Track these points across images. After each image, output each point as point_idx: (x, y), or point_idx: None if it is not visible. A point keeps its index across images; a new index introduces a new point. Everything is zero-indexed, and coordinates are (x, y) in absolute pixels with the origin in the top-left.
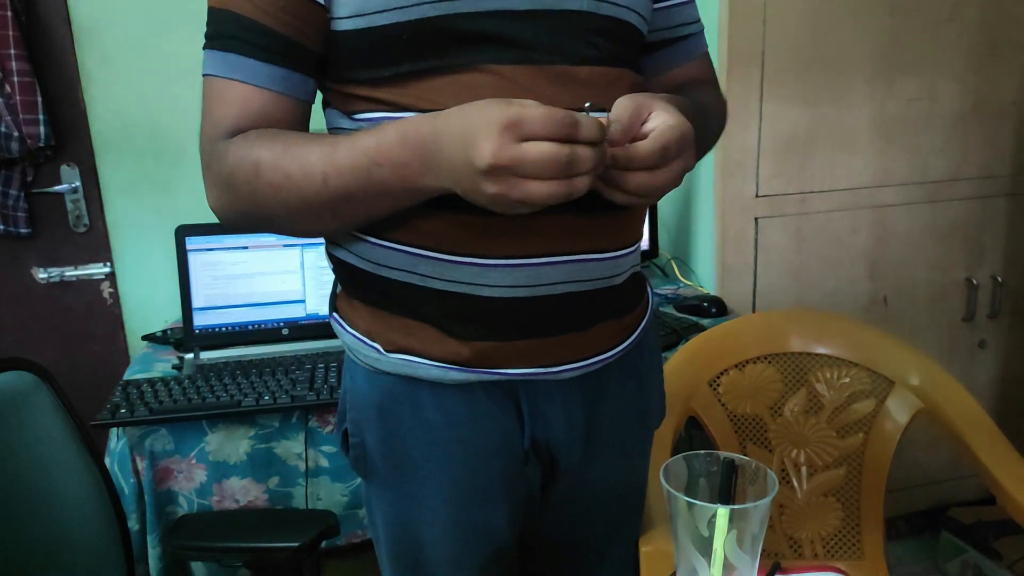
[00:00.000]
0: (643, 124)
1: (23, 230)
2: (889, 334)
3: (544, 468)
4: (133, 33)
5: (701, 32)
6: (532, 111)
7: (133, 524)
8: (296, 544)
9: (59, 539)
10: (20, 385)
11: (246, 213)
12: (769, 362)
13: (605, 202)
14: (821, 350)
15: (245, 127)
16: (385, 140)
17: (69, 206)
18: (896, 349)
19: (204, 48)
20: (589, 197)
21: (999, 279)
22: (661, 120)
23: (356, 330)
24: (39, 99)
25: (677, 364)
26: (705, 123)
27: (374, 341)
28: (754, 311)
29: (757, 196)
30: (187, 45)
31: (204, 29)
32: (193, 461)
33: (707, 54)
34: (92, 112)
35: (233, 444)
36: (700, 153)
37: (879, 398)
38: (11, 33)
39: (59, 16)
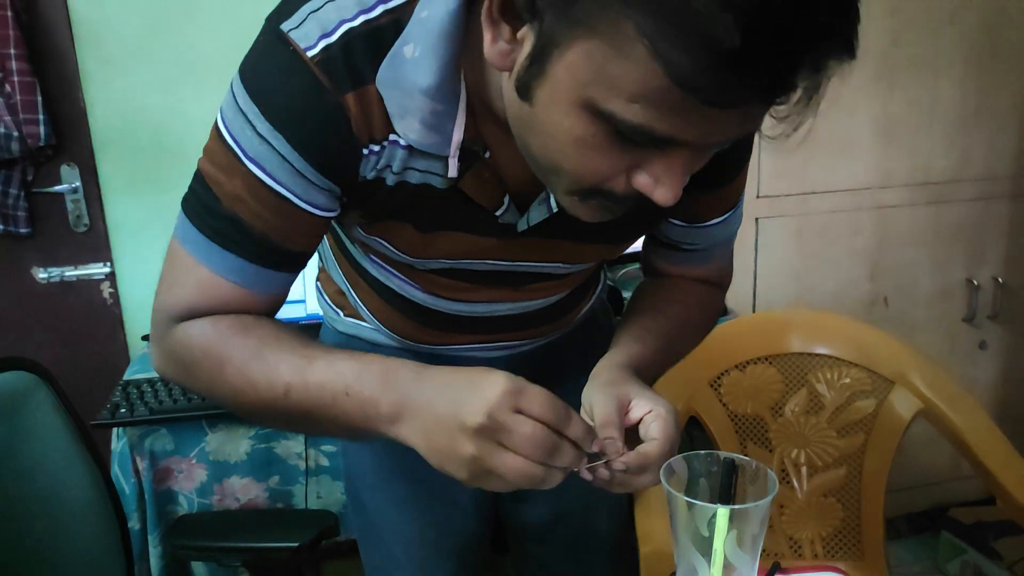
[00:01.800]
0: (627, 414)
1: (23, 230)
2: (889, 334)
3: None
4: (133, 33)
5: (716, 246)
6: (535, 388)
7: (134, 524)
8: (296, 544)
9: (59, 539)
10: (20, 385)
11: (195, 390)
12: (770, 362)
13: (547, 316)
14: (821, 350)
15: (203, 313)
16: (366, 372)
17: (69, 206)
18: (896, 349)
19: (183, 210)
20: (534, 318)
21: (1000, 280)
22: (646, 409)
23: (326, 295)
24: (39, 99)
25: (677, 364)
26: (676, 348)
27: (337, 308)
28: (754, 311)
29: (757, 196)
30: (187, 45)
31: (204, 31)
32: (193, 461)
33: (721, 264)
34: (92, 112)
35: (233, 444)
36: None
37: (879, 398)
38: (11, 33)
39: (59, 16)
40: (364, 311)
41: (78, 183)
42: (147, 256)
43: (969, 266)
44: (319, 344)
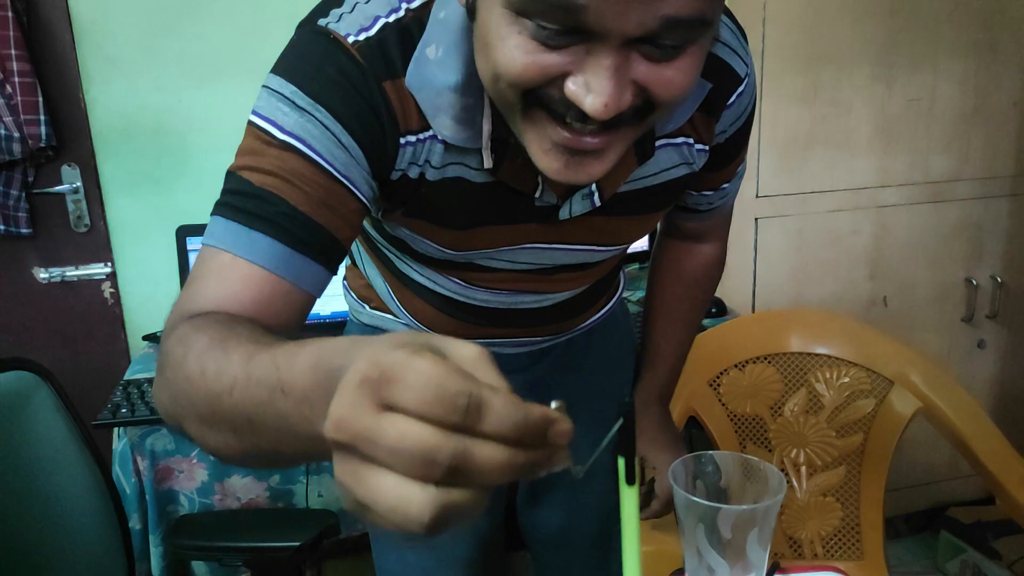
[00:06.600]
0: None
1: (24, 230)
2: (889, 334)
3: None
4: (134, 33)
5: (714, 208)
6: (418, 367)
7: (135, 523)
8: (297, 543)
9: (60, 539)
10: (21, 385)
11: (168, 413)
12: (769, 362)
13: (568, 311)
14: (821, 350)
15: (231, 311)
16: (298, 361)
17: (70, 206)
18: (896, 349)
19: (215, 214)
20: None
21: (999, 279)
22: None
23: (352, 290)
24: (40, 99)
25: None
26: (688, 345)
27: (363, 301)
28: (754, 311)
29: (757, 196)
30: (188, 45)
31: (205, 31)
32: (194, 460)
33: (722, 218)
34: (93, 112)
35: None
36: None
37: (879, 398)
38: (12, 33)
39: (60, 16)
40: (395, 306)
41: (79, 183)
42: (148, 256)
43: (968, 265)
44: (297, 341)
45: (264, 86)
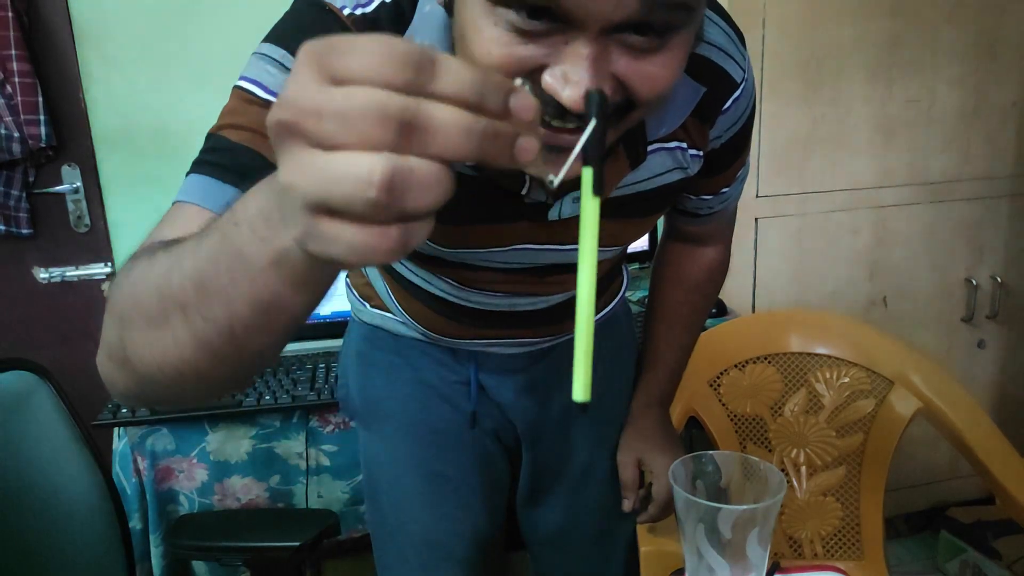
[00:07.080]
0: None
1: (24, 230)
2: (889, 334)
3: (507, 437)
4: (134, 33)
5: (715, 212)
6: (368, 37)
7: (135, 523)
8: (297, 543)
9: (60, 539)
10: (21, 385)
11: (111, 343)
12: (769, 362)
13: (566, 312)
14: (821, 350)
15: None
16: (252, 191)
17: (70, 206)
18: (896, 349)
19: (188, 174)
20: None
21: (999, 279)
22: (651, 471)
23: (354, 288)
24: (40, 99)
25: None
26: (689, 349)
27: (364, 299)
28: (754, 311)
29: (757, 196)
30: (188, 45)
31: (205, 31)
32: (194, 460)
33: (723, 221)
34: (93, 112)
35: (234, 443)
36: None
37: (879, 398)
38: (12, 34)
39: (60, 16)
40: (394, 305)
41: (79, 183)
42: None
43: (968, 265)
44: None
45: (254, 53)
